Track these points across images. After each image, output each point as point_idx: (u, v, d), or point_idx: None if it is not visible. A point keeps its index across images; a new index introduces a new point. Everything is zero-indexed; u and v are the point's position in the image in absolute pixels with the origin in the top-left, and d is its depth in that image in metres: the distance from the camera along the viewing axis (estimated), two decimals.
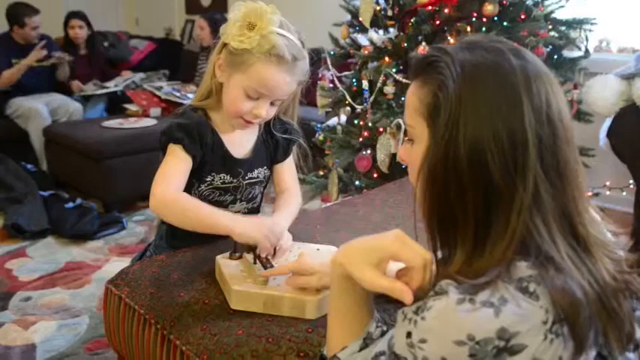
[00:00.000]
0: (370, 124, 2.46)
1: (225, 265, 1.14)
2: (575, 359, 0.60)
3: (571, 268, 0.62)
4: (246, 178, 1.36)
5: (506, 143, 0.62)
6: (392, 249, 0.68)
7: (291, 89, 1.23)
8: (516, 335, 0.58)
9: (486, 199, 0.63)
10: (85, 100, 4.02)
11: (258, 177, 1.38)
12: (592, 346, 0.61)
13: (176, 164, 1.21)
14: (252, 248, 1.15)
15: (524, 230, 0.63)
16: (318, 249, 1.20)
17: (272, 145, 1.39)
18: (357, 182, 2.59)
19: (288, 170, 1.43)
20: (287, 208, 1.33)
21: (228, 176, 1.33)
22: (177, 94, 3.83)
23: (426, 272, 0.67)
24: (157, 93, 3.87)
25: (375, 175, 2.53)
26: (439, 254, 0.69)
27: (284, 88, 1.20)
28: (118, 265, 2.43)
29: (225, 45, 1.21)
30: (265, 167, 1.39)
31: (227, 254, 1.20)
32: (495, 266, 0.61)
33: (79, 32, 4.08)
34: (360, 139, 2.54)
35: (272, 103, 1.24)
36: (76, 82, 4.06)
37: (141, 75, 4.32)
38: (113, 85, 4.11)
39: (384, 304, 0.91)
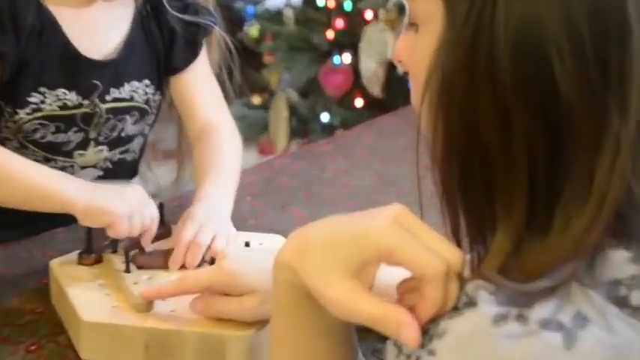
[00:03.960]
0: (348, 6, 2.46)
1: (70, 276, 1.09)
2: None
3: None
4: (108, 98, 1.28)
5: (585, 33, 0.59)
6: (386, 242, 0.64)
7: None
8: None
9: (549, 133, 0.61)
10: None
11: (132, 98, 1.31)
12: None
13: None
14: (127, 245, 1.09)
15: (622, 192, 0.60)
16: (247, 243, 1.16)
17: (162, 36, 1.33)
18: (323, 116, 2.61)
19: (202, 88, 1.37)
20: (219, 167, 1.28)
21: (73, 93, 1.25)
22: None
23: (450, 286, 0.62)
24: None
25: (359, 103, 2.55)
26: (465, 245, 0.68)
27: None
28: None
29: None
30: (148, 81, 1.32)
31: (74, 255, 1.11)
32: (568, 257, 0.59)
33: None
34: (330, 36, 2.49)
35: None
36: None
37: None
38: None
39: (374, 342, 0.86)
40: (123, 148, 1.36)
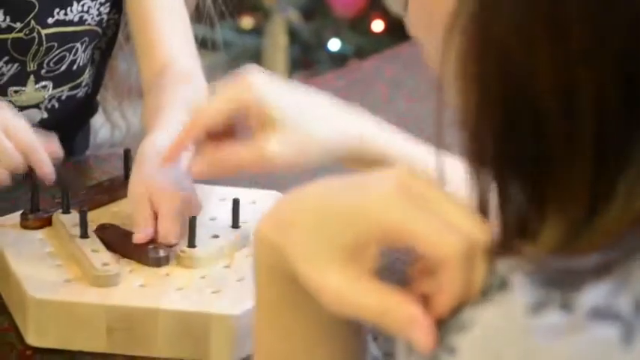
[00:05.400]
0: None
1: (12, 242, 1.09)
2: None
3: None
4: (50, 21, 1.24)
5: None
6: (389, 217, 0.60)
7: None
8: None
9: (624, 76, 0.52)
10: None
11: (83, 21, 1.26)
12: None
13: None
14: (83, 201, 1.08)
15: None
16: (236, 200, 1.14)
17: None
18: (332, 43, 2.58)
19: (167, 16, 1.30)
20: (171, 111, 1.17)
21: (0, 13, 1.23)
22: None
23: (474, 269, 0.57)
24: None
25: (378, 27, 2.52)
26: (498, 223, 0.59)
27: None
28: None
29: None
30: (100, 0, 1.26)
31: (16, 216, 1.10)
32: (626, 229, 0.54)
33: None
34: None
35: None
36: None
37: None
38: None
39: (386, 344, 0.79)
40: (73, 84, 1.31)
